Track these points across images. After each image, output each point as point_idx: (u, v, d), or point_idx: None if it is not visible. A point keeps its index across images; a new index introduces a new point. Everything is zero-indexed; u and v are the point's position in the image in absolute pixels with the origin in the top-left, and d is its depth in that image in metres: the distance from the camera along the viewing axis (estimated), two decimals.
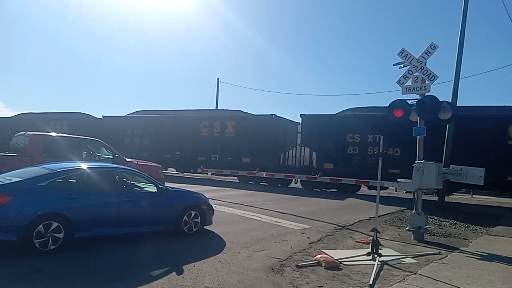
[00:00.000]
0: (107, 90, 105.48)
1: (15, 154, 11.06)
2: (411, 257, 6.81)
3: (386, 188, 19.17)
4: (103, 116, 26.67)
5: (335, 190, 18.21)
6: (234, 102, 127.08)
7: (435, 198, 15.02)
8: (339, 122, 18.30)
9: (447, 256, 6.98)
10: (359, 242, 7.84)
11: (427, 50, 8.65)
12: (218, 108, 35.95)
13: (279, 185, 19.91)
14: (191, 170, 22.81)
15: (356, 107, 19.17)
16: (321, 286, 5.14)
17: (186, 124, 22.83)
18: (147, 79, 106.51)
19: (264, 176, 19.04)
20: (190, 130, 22.52)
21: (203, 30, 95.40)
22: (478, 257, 6.94)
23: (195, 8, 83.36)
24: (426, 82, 8.60)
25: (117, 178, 7.17)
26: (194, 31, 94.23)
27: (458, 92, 13.41)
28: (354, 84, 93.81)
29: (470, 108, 16.50)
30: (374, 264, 5.99)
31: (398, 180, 9.04)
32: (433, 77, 8.52)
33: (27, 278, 4.78)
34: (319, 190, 18.49)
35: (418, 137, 8.80)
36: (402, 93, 8.95)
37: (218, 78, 38.55)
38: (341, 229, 9.17)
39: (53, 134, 12.54)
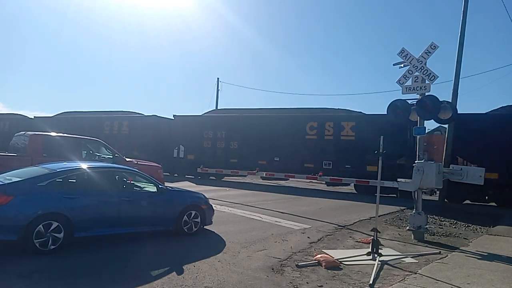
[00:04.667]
0: (107, 90, 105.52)
1: (15, 154, 11.06)
2: (411, 257, 6.81)
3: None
4: (174, 116, 23.47)
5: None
6: (234, 102, 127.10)
7: (435, 198, 15.00)
8: (502, 123, 15.03)
9: (447, 255, 6.97)
10: (359, 242, 7.84)
11: (427, 50, 8.65)
12: (218, 108, 35.86)
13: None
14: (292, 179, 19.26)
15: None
16: (321, 286, 5.14)
17: (287, 124, 19.46)
18: (147, 79, 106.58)
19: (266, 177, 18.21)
20: (292, 132, 19.18)
21: (203, 30, 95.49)
22: (479, 257, 6.93)
23: (195, 8, 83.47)
24: (426, 82, 8.60)
25: (117, 178, 7.18)
26: (194, 31, 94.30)
27: (458, 92, 13.42)
28: (354, 84, 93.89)
29: None
30: (374, 264, 6.00)
31: (398, 180, 9.04)
32: (433, 77, 8.52)
33: (27, 278, 4.78)
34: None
35: (417, 137, 8.81)
36: (402, 93, 8.96)
37: (218, 78, 38.48)
38: (341, 229, 9.17)
39: (53, 134, 12.56)
